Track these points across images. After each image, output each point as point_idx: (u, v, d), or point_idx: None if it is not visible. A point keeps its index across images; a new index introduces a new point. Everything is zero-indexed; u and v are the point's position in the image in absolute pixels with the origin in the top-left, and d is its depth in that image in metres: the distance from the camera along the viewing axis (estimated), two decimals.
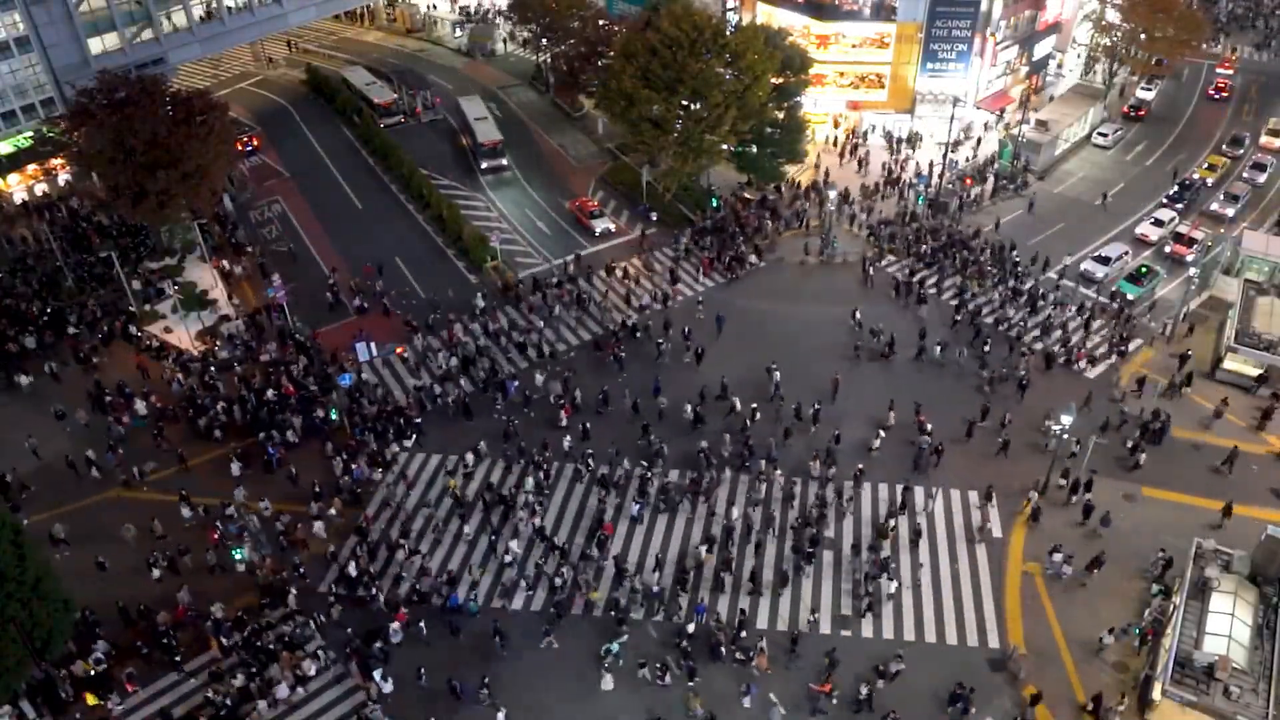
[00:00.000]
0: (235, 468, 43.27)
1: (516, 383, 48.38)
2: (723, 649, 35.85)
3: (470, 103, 71.79)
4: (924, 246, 58.14)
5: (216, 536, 39.75)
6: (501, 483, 43.62)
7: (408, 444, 45.51)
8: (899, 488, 42.76)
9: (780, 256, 58.21)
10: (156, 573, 38.56)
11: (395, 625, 36.78)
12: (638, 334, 51.82)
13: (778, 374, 47.61)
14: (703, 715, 33.89)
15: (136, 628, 36.68)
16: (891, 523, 40.93)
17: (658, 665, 35.26)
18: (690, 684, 35.00)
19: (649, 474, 42.80)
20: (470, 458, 44.24)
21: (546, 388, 48.07)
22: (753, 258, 57.42)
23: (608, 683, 34.86)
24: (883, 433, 44.73)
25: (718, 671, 35.62)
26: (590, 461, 43.89)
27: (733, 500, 42.31)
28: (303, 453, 44.91)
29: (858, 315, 52.39)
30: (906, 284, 54.50)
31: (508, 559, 39.60)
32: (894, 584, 38.15)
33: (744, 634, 36.36)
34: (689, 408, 45.88)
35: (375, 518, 42.03)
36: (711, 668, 35.69)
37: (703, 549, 39.66)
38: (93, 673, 35.25)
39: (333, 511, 41.63)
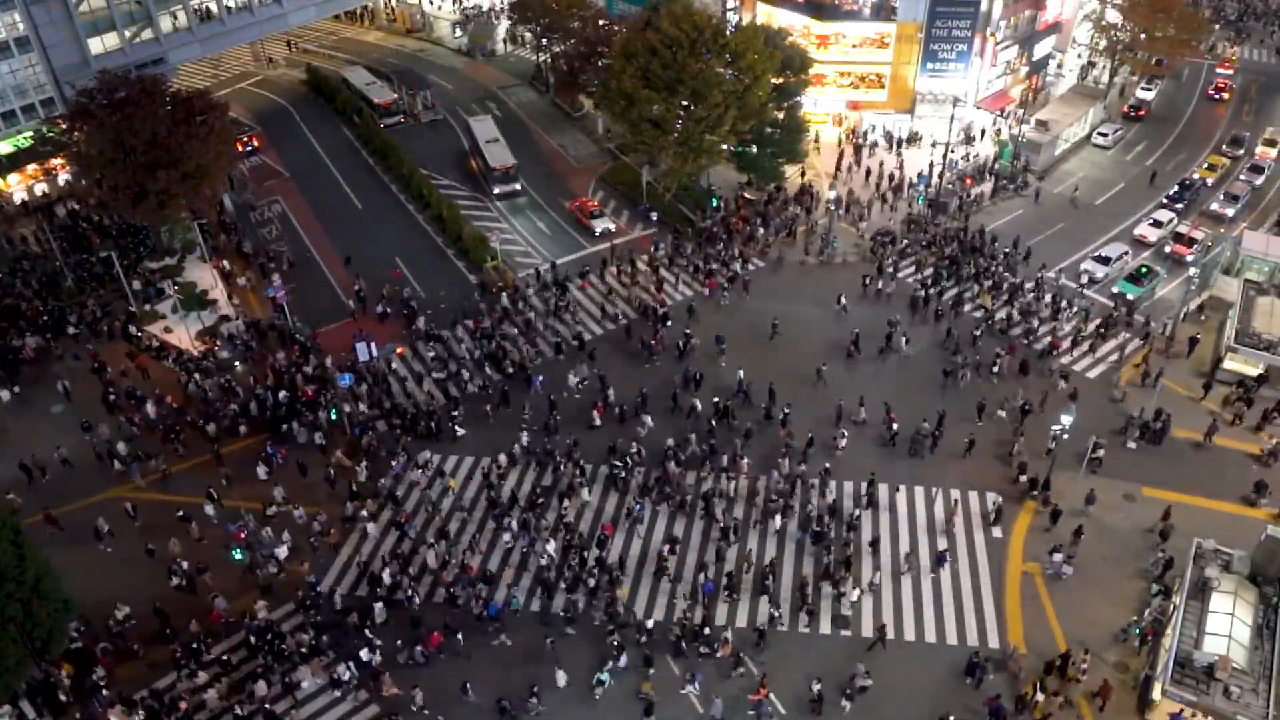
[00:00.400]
0: (261, 471, 43.13)
1: (541, 377, 48.45)
2: (683, 643, 35.97)
3: (480, 124, 68.54)
4: (934, 255, 57.57)
5: (243, 536, 39.96)
6: (544, 483, 43.43)
7: (441, 447, 45.29)
8: (900, 486, 42.97)
9: (779, 257, 58.13)
10: (175, 580, 38.32)
11: (379, 606, 37.20)
12: (668, 322, 52.18)
13: (741, 373, 47.81)
14: (649, 700, 34.07)
15: (170, 643, 36.40)
16: (857, 513, 41.37)
17: (615, 644, 35.62)
18: (650, 671, 35.18)
19: (624, 473, 42.96)
20: (503, 459, 44.07)
21: (580, 377, 48.04)
22: (737, 266, 56.76)
23: (560, 679, 34.81)
24: (845, 433, 44.72)
25: (678, 663, 35.80)
26: (628, 461, 43.50)
27: (700, 496, 42.55)
28: (321, 454, 44.88)
29: (843, 300, 53.18)
30: (922, 297, 53.61)
31: (543, 561, 39.40)
32: (856, 591, 37.95)
33: (707, 630, 36.45)
34: (647, 420, 45.72)
35: (426, 522, 41.95)
36: (672, 660, 35.89)
37: (665, 548, 39.79)
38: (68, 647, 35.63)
39: (365, 513, 41.68)
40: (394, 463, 43.99)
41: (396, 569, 39.01)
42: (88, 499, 42.55)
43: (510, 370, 49.15)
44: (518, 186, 64.72)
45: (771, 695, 34.48)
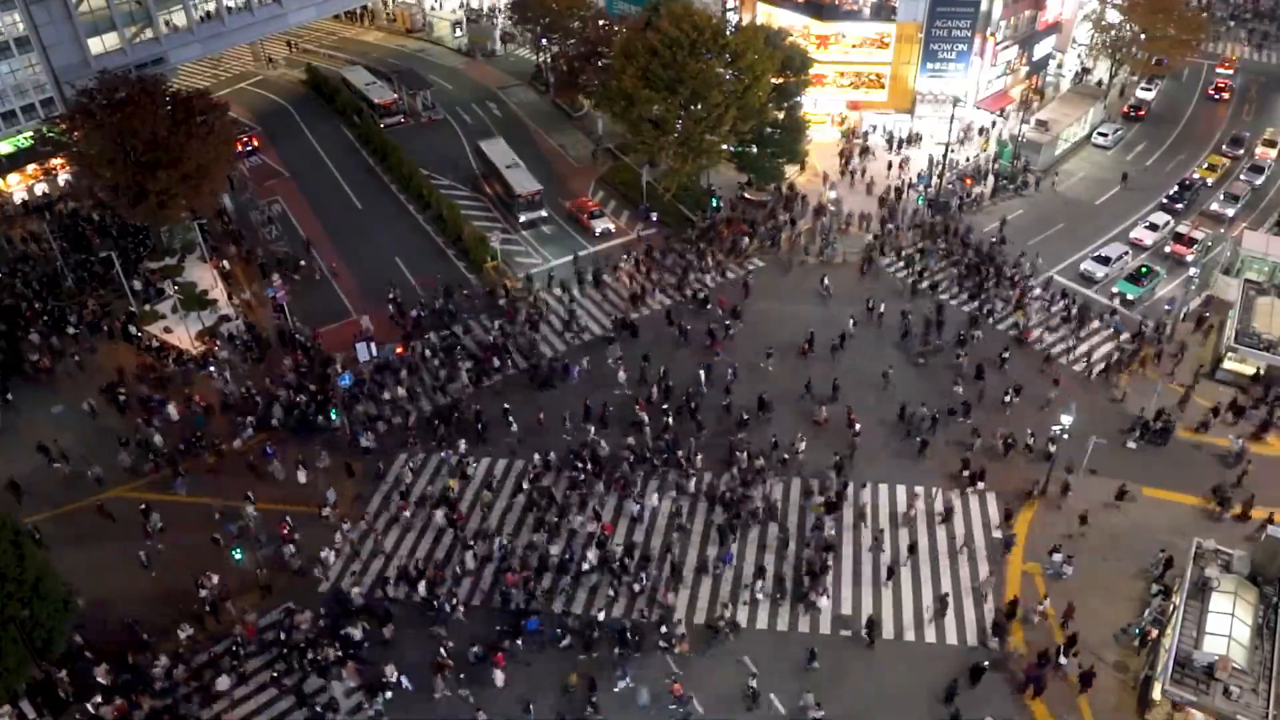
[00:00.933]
0: (302, 475, 43.03)
1: (578, 367, 48.56)
2: (628, 635, 36.10)
3: (494, 146, 64.89)
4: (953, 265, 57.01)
5: (286, 532, 40.18)
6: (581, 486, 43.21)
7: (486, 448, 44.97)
8: (900, 486, 42.92)
9: (779, 256, 58.11)
10: (204, 592, 37.98)
11: (355, 590, 37.74)
12: (708, 305, 53.02)
13: (703, 372, 47.93)
14: (575, 689, 34.51)
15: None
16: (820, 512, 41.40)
17: (558, 629, 36.10)
18: (583, 656, 35.61)
19: (583, 476, 43.05)
20: (536, 459, 43.86)
21: (615, 358, 48.36)
22: (707, 278, 55.89)
23: (499, 679, 34.89)
24: (804, 441, 44.38)
25: (629, 657, 35.92)
26: (684, 465, 43.30)
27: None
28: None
29: (825, 281, 53.93)
30: (936, 317, 52.11)
31: (585, 567, 39.18)
32: (825, 599, 37.69)
33: (664, 627, 36.54)
34: (589, 429, 45.21)
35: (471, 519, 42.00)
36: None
37: (619, 548, 39.76)
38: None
39: (407, 514, 41.77)
40: (444, 453, 44.11)
41: (434, 576, 38.68)
42: (93, 496, 42.58)
43: (547, 358, 49.57)
44: (545, 213, 61.48)
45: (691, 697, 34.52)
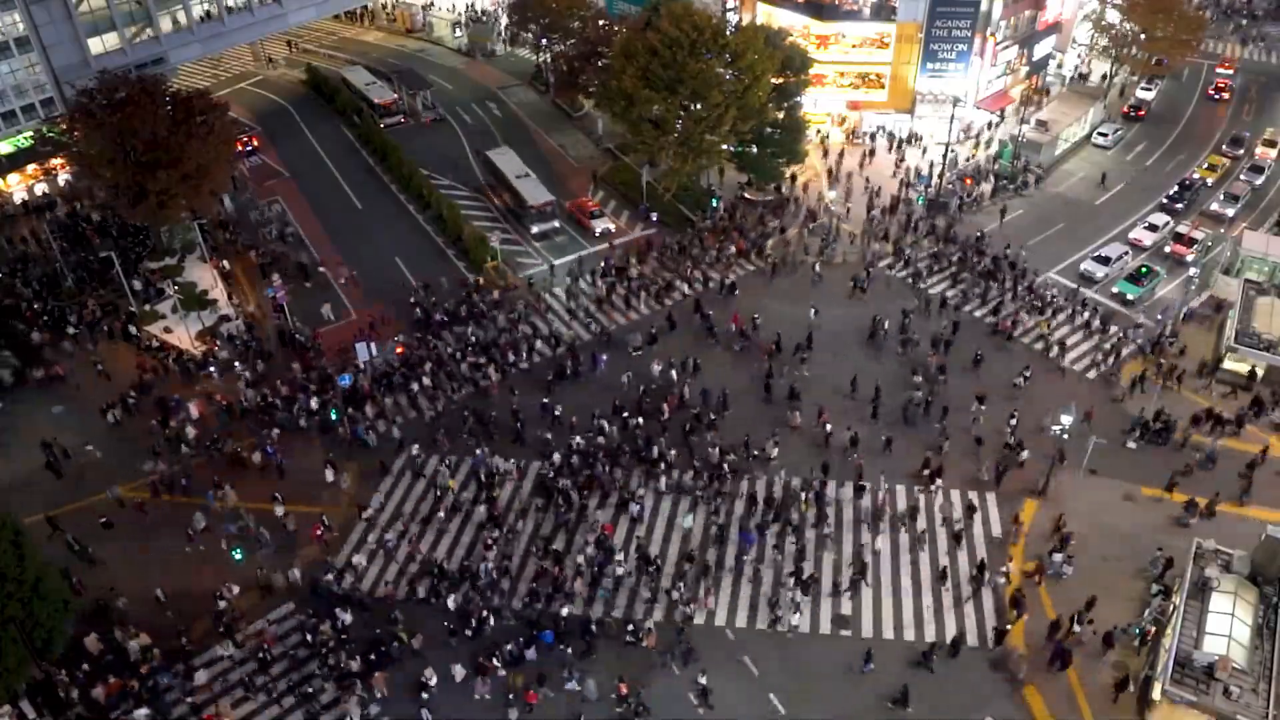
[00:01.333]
0: (329, 474, 42.96)
1: (605, 357, 48.63)
2: (593, 629, 36.35)
3: (502, 156, 64.05)
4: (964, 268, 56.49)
5: (320, 533, 40.38)
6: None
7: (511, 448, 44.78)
8: (906, 488, 42.92)
9: (779, 256, 58.06)
10: (223, 604, 37.72)
11: (328, 576, 38.10)
12: (736, 292, 53.91)
13: (674, 372, 48.13)
14: (521, 689, 34.64)
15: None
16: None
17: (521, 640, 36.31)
18: (559, 650, 35.88)
19: (553, 475, 43.16)
20: (557, 457, 43.78)
21: (634, 346, 49.14)
22: (686, 287, 55.57)
23: (458, 672, 35.01)
24: (777, 446, 44.27)
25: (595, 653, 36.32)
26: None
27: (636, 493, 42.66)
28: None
29: (817, 269, 54.99)
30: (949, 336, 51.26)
31: (619, 571, 39.05)
32: (796, 615, 37.46)
33: (630, 625, 36.68)
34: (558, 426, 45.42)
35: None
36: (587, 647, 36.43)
37: (590, 549, 39.74)
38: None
39: (440, 515, 41.71)
40: (478, 451, 44.08)
41: (465, 587, 38.57)
42: (95, 496, 42.52)
43: (568, 347, 49.92)
44: (557, 224, 60.64)
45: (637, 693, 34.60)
